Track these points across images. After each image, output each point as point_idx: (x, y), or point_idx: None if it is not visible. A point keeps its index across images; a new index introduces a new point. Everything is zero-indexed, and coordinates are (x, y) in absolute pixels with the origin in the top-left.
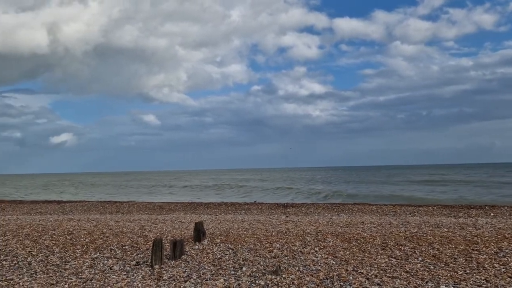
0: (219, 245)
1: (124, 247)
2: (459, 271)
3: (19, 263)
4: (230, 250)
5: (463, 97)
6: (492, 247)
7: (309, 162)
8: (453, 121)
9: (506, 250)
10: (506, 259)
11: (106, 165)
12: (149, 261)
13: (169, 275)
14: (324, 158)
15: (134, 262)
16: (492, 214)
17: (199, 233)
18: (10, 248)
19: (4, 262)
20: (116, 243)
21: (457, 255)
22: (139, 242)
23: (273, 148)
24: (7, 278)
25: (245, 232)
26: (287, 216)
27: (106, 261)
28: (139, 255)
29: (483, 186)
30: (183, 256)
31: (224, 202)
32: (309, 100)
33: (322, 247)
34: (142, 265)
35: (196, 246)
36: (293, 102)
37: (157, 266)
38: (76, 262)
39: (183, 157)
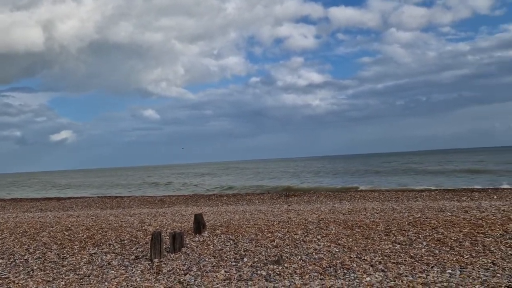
0: (220, 236)
1: (123, 242)
2: (465, 255)
3: (16, 261)
4: (231, 241)
5: (462, 82)
6: (498, 229)
7: (310, 152)
8: (453, 106)
9: None
10: None
11: (108, 161)
12: (149, 255)
13: (168, 269)
14: (325, 147)
15: (133, 257)
16: (495, 197)
17: (199, 225)
18: (7, 246)
19: (0, 261)
20: (115, 238)
21: (462, 238)
22: (139, 236)
23: (274, 139)
24: (3, 276)
25: (246, 223)
26: (289, 206)
27: (104, 257)
28: (138, 249)
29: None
30: (183, 248)
31: (226, 193)
32: (308, 90)
33: (324, 235)
34: (141, 259)
35: (196, 238)
36: (292, 92)
37: (156, 260)
38: (73, 259)
39: (184, 150)
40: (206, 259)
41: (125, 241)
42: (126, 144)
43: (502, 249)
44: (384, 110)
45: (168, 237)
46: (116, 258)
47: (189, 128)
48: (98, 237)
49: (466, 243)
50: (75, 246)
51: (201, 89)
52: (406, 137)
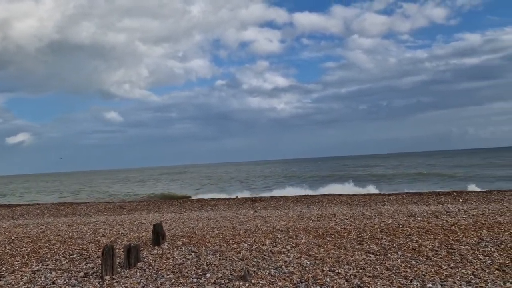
0: (181, 248)
1: (71, 256)
2: (443, 266)
3: None
4: (193, 254)
5: (420, 87)
6: (472, 236)
7: (276, 155)
8: (412, 111)
9: (487, 239)
10: (489, 249)
11: (69, 165)
12: (99, 271)
13: (121, 287)
14: (291, 150)
15: (82, 274)
16: (461, 200)
17: (158, 235)
18: None
19: None
20: (63, 251)
21: (437, 247)
22: (90, 249)
23: (240, 142)
24: None
25: (210, 232)
26: (255, 211)
27: (49, 274)
28: (88, 265)
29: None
30: (139, 263)
31: (190, 198)
32: (273, 94)
33: (294, 244)
34: (91, 277)
35: (155, 251)
36: (258, 95)
37: (108, 277)
38: (12, 277)
39: (149, 153)
40: (165, 276)
41: (74, 256)
42: (87, 147)
43: (480, 259)
44: (348, 114)
45: (122, 250)
46: (62, 276)
47: (153, 131)
48: (44, 250)
49: (443, 252)
50: (16, 262)
51: (166, 91)
52: (369, 141)
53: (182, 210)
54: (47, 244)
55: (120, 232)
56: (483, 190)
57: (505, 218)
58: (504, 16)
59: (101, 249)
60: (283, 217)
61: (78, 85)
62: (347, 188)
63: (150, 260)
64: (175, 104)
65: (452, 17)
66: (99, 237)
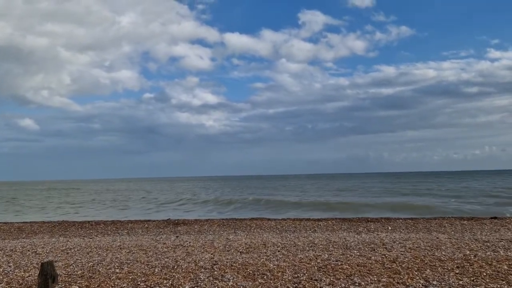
0: None
1: None
2: None
3: None
4: None
5: (343, 112)
6: (418, 278)
7: (203, 171)
8: (335, 134)
9: (434, 282)
10: None
11: None
12: None
13: None
14: (218, 167)
15: None
16: (390, 228)
17: (46, 278)
18: None
19: None
20: None
21: None
22: None
23: (167, 157)
24: None
25: (117, 270)
26: (177, 237)
27: None
28: None
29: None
30: None
31: (103, 220)
32: (202, 110)
33: None
34: None
35: None
36: (186, 111)
37: None
38: None
39: (68, 165)
40: None
41: None
42: None
43: None
44: (275, 134)
45: None
46: None
47: (74, 141)
48: None
49: None
50: None
51: (89, 101)
52: (294, 161)
53: (93, 234)
54: None
55: (1, 269)
56: (409, 217)
57: (443, 253)
58: (415, 53)
59: None
60: (208, 246)
61: None
62: (272, 214)
63: None
64: (99, 115)
65: (371, 50)
66: None
